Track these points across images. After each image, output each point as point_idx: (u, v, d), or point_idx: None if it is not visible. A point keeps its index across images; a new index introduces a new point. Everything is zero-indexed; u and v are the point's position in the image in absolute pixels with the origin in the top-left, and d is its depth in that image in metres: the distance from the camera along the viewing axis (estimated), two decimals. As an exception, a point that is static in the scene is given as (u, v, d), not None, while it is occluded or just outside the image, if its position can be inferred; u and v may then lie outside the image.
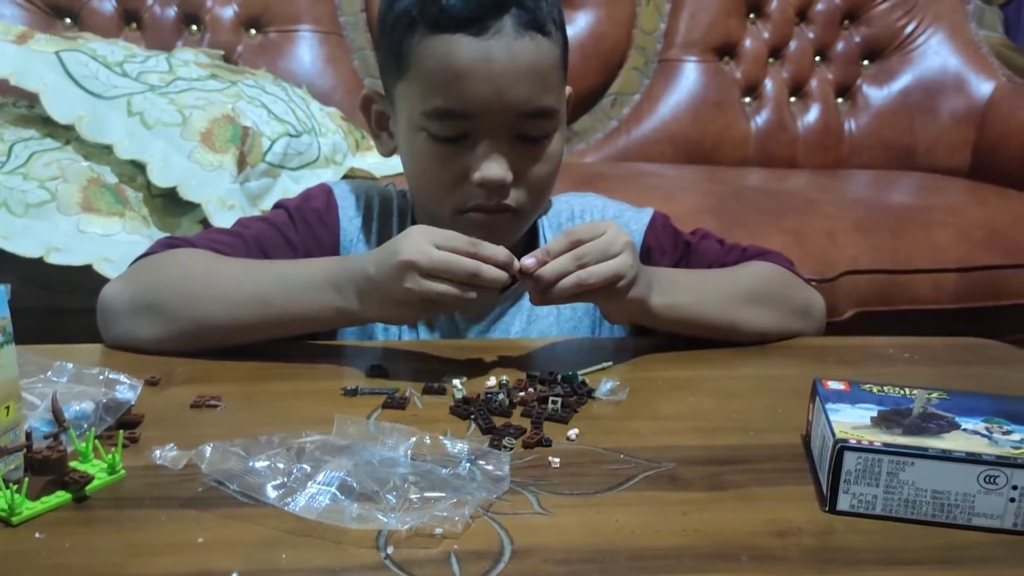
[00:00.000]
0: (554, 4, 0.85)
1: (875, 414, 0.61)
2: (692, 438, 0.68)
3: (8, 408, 0.56)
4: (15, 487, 0.53)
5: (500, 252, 0.74)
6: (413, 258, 0.72)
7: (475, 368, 0.80)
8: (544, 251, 0.76)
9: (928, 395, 0.64)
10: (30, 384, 0.64)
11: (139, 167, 1.41)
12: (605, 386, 0.75)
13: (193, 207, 1.40)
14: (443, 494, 0.55)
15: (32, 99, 1.45)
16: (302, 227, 0.90)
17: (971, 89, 2.07)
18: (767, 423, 0.71)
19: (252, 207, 1.43)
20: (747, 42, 2.11)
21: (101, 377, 0.66)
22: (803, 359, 0.88)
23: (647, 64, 2.10)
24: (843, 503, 0.57)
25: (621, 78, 2.10)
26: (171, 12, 1.94)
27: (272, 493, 0.54)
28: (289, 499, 0.54)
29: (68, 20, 1.89)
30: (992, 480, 0.55)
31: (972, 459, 0.55)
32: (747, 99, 2.11)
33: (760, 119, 2.10)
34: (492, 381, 0.76)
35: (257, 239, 0.88)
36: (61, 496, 0.55)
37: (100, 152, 1.41)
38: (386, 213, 0.94)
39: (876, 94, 2.12)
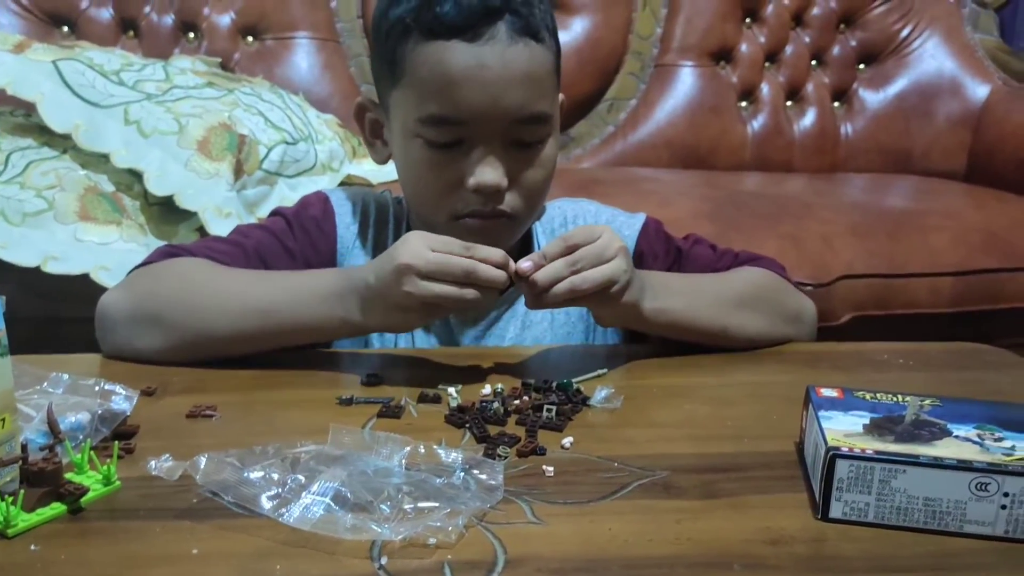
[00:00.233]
0: (547, 11, 0.86)
1: (867, 421, 0.62)
2: (686, 446, 0.68)
3: (3, 420, 0.56)
4: (10, 499, 0.53)
5: (495, 253, 0.75)
6: (409, 261, 0.73)
7: (470, 376, 0.80)
8: (540, 255, 0.76)
9: (920, 402, 0.65)
10: (26, 395, 0.64)
11: (136, 176, 1.41)
12: (600, 394, 0.75)
13: (190, 215, 1.40)
14: (437, 504, 0.55)
15: (29, 108, 1.46)
16: (300, 235, 0.91)
17: (967, 93, 2.07)
18: (761, 430, 0.71)
19: (249, 215, 1.44)
20: (743, 47, 2.11)
21: (97, 388, 0.66)
22: (797, 365, 0.88)
23: (643, 69, 2.11)
24: (836, 511, 0.57)
25: (617, 83, 2.11)
26: (168, 20, 1.95)
27: (267, 504, 0.55)
28: (283, 510, 0.54)
29: (65, 28, 1.90)
30: (983, 487, 0.55)
31: (963, 466, 0.55)
32: (743, 103, 2.12)
33: (756, 123, 2.10)
34: (487, 389, 0.76)
35: (257, 248, 0.88)
36: (56, 508, 0.55)
37: (97, 161, 1.42)
38: (382, 220, 0.95)
39: (872, 98, 2.13)
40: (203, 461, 0.57)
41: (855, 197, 1.84)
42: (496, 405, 0.72)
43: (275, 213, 0.95)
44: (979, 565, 0.53)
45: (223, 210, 1.38)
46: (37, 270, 1.27)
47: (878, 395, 0.66)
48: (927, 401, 0.65)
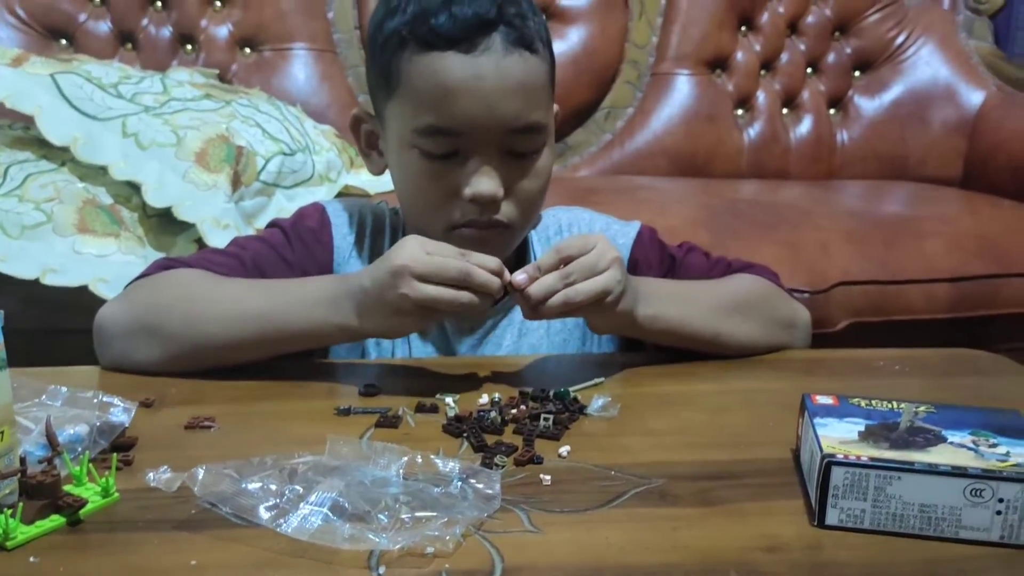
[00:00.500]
0: (541, 23, 0.86)
1: (863, 428, 0.62)
2: (682, 453, 0.68)
3: (2, 433, 0.56)
4: (9, 512, 0.53)
5: (490, 260, 0.75)
6: (405, 262, 0.73)
7: (467, 385, 0.80)
8: (534, 267, 0.77)
9: (915, 409, 0.65)
10: (24, 408, 0.64)
11: (134, 188, 1.42)
12: (597, 403, 0.75)
13: (188, 227, 1.40)
14: (434, 513, 0.55)
15: (27, 121, 1.46)
16: (297, 246, 0.91)
17: (962, 99, 2.08)
18: (757, 438, 0.71)
19: (247, 226, 1.44)
20: (739, 55, 2.12)
21: (95, 400, 0.66)
22: (794, 372, 0.88)
23: (640, 78, 2.12)
24: (831, 518, 0.57)
25: (614, 92, 2.11)
26: (166, 32, 1.96)
27: (265, 514, 0.55)
28: (281, 520, 0.54)
29: (63, 42, 1.90)
30: (978, 493, 0.55)
31: (958, 472, 0.56)
32: (739, 111, 2.12)
33: (753, 131, 2.11)
34: (484, 398, 0.77)
35: (254, 260, 0.89)
36: (55, 520, 0.56)
37: (95, 173, 1.42)
38: (378, 230, 0.95)
39: (868, 105, 2.14)
40: (201, 472, 0.57)
41: (851, 204, 1.84)
42: (493, 414, 0.72)
43: (272, 225, 0.95)
44: (975, 571, 0.54)
45: (221, 221, 1.39)
46: (36, 282, 1.27)
47: (873, 402, 0.67)
48: (922, 408, 0.65)
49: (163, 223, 1.43)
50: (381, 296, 0.75)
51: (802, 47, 2.14)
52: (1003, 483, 0.55)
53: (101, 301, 0.86)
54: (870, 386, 0.84)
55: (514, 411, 0.74)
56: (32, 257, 1.29)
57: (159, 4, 1.95)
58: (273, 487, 0.57)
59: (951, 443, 0.60)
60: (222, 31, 1.97)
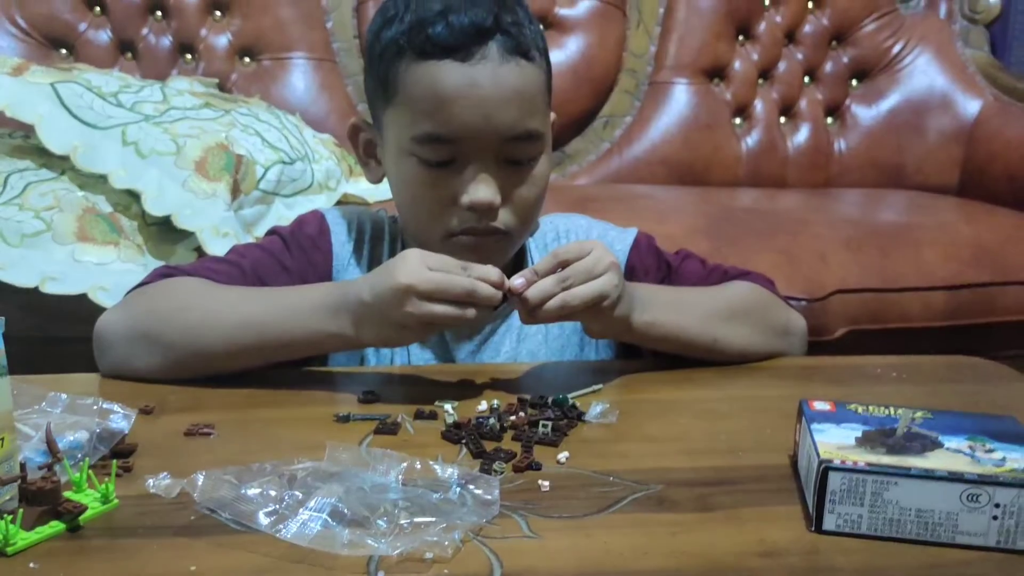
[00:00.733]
0: (536, 31, 0.87)
1: (860, 434, 0.62)
2: (681, 460, 0.68)
3: (3, 439, 0.56)
4: (9, 518, 0.54)
5: (491, 272, 0.76)
6: (410, 281, 0.73)
7: (466, 392, 0.81)
8: (532, 271, 0.77)
9: (912, 414, 0.65)
10: (24, 415, 0.64)
11: (134, 196, 1.42)
12: (595, 409, 0.76)
13: (187, 235, 1.41)
14: (433, 519, 0.55)
15: (28, 130, 1.46)
16: (297, 253, 0.92)
17: (958, 108, 2.09)
18: (755, 444, 0.71)
19: (246, 234, 1.44)
20: (736, 64, 2.13)
21: (95, 407, 0.66)
22: (791, 379, 0.89)
23: (638, 87, 2.13)
24: (829, 523, 0.58)
25: (612, 101, 2.12)
26: (166, 42, 1.96)
27: (264, 520, 0.55)
28: (281, 526, 0.54)
29: (64, 51, 1.91)
30: (975, 498, 0.56)
31: (954, 478, 0.56)
32: (737, 120, 2.13)
33: (750, 140, 2.11)
34: (483, 405, 0.77)
35: (254, 267, 0.89)
36: (55, 526, 0.56)
37: (95, 182, 1.43)
38: (377, 238, 0.96)
39: (865, 114, 2.14)
40: (201, 478, 0.58)
41: (848, 212, 1.85)
42: (492, 421, 0.72)
43: (272, 232, 0.96)
44: (972, 576, 0.54)
45: (220, 230, 1.39)
46: (35, 291, 1.27)
47: (870, 408, 0.67)
48: (919, 414, 0.66)
49: (162, 231, 1.43)
50: (384, 312, 0.75)
51: (799, 56, 2.15)
52: (999, 488, 0.55)
53: (100, 309, 0.86)
54: (868, 393, 0.84)
55: (513, 417, 0.74)
56: (32, 265, 1.29)
57: (159, 14, 1.96)
58: (272, 493, 0.57)
59: (948, 448, 0.60)
60: (222, 40, 1.98)
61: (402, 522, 0.55)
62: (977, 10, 2.14)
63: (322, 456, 0.61)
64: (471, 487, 0.59)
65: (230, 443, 0.70)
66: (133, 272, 1.31)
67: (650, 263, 0.98)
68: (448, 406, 0.75)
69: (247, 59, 1.99)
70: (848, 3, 2.14)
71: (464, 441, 0.70)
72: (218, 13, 1.99)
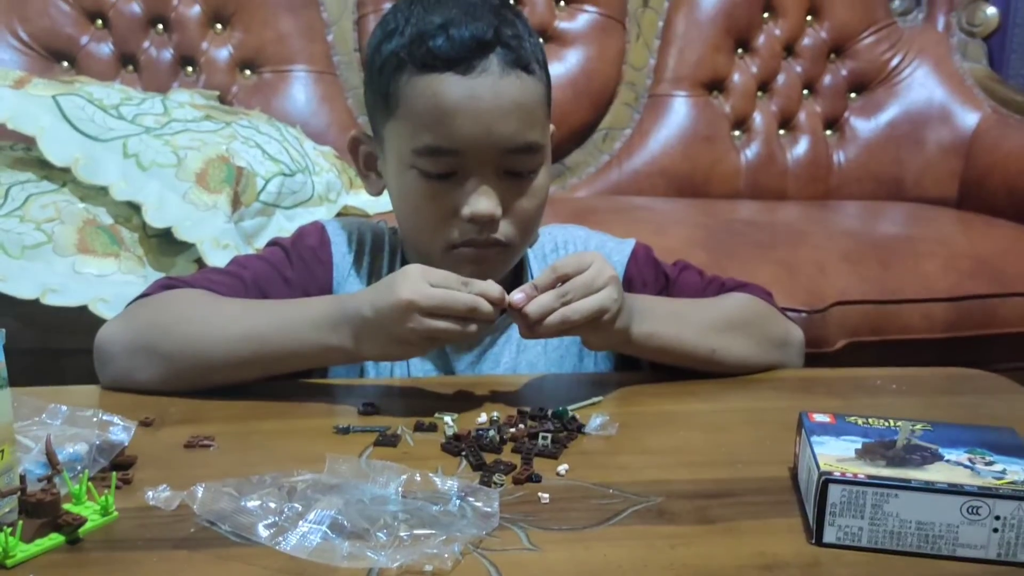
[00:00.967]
0: (536, 44, 0.87)
1: (859, 446, 0.62)
2: (680, 472, 0.68)
3: (2, 451, 0.56)
4: (9, 530, 0.54)
5: (492, 288, 0.76)
6: (412, 297, 0.74)
7: (466, 404, 0.81)
8: (531, 286, 0.77)
9: (912, 427, 0.65)
10: (24, 427, 0.64)
11: (135, 208, 1.42)
12: (595, 421, 0.76)
13: (188, 247, 1.41)
14: (433, 531, 0.55)
15: (29, 142, 1.47)
16: (298, 264, 0.92)
17: (957, 120, 2.10)
18: (755, 456, 0.71)
19: (246, 246, 1.45)
20: (735, 76, 2.14)
21: (95, 419, 0.66)
22: (791, 391, 0.89)
23: (637, 99, 2.13)
24: (829, 535, 0.58)
25: (612, 113, 2.13)
26: (167, 54, 1.97)
27: (264, 532, 0.55)
28: (280, 538, 0.54)
29: (65, 64, 1.92)
30: (975, 511, 0.56)
31: (954, 490, 0.56)
32: (736, 132, 2.14)
33: (750, 152, 2.12)
34: (483, 417, 0.77)
35: (255, 279, 0.89)
36: (55, 538, 0.56)
37: (96, 194, 1.43)
38: (377, 249, 0.96)
39: (864, 126, 2.15)
40: (200, 491, 0.58)
41: (848, 224, 1.85)
42: (492, 433, 0.72)
43: (272, 243, 0.96)
44: (972, 588, 0.54)
45: (221, 241, 1.39)
46: (36, 302, 1.27)
47: (870, 420, 0.67)
48: (918, 426, 0.66)
49: (163, 243, 1.44)
50: (385, 328, 0.75)
51: (798, 69, 2.16)
52: (999, 500, 0.55)
53: (101, 321, 0.86)
54: (868, 405, 0.84)
55: (512, 430, 0.74)
56: (32, 277, 1.29)
57: (160, 27, 1.97)
58: (272, 505, 0.57)
59: (948, 461, 0.60)
60: (222, 53, 1.99)
61: (402, 534, 0.54)
62: (975, 23, 2.15)
63: (322, 468, 0.61)
64: (471, 499, 0.59)
65: (230, 455, 0.70)
66: (134, 284, 1.31)
67: (648, 274, 0.98)
68: (448, 418, 0.75)
69: (248, 72, 2.00)
70: (846, 16, 2.15)
71: (464, 453, 0.70)
72: (219, 26, 1.99)
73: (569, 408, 0.79)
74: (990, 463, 0.60)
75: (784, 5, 2.13)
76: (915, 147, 2.11)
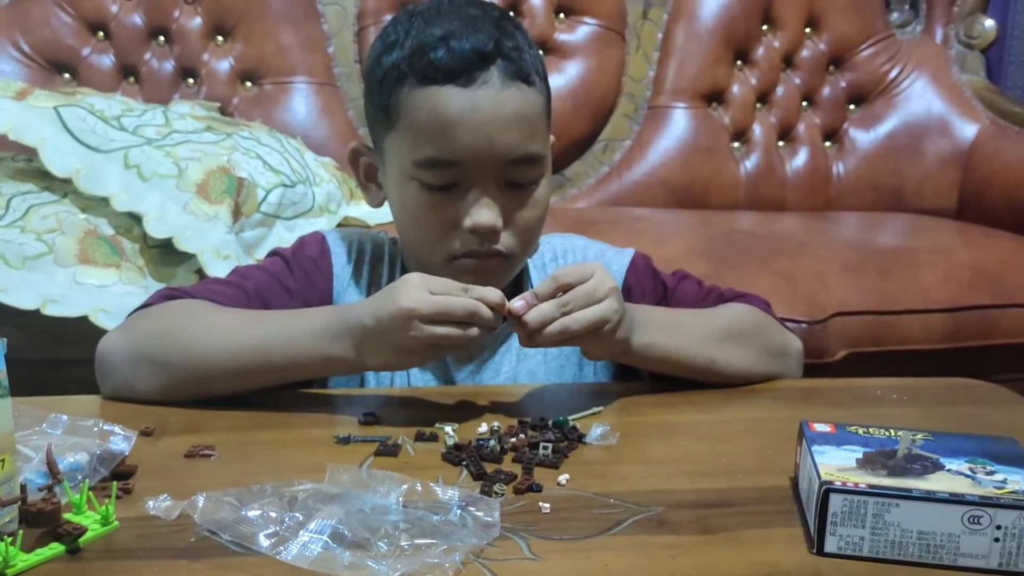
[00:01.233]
0: (536, 56, 0.88)
1: (860, 456, 0.62)
2: (681, 482, 0.68)
3: (3, 461, 0.56)
4: (9, 539, 0.53)
5: (492, 293, 0.76)
6: (413, 305, 0.74)
7: (466, 414, 0.81)
8: (532, 294, 0.78)
9: (913, 436, 0.65)
10: (25, 436, 0.64)
11: (135, 219, 1.43)
12: (595, 431, 0.76)
13: (189, 257, 1.41)
14: (434, 541, 0.55)
15: (30, 153, 1.47)
16: (299, 274, 0.92)
17: (956, 132, 2.10)
18: (756, 466, 0.71)
19: (247, 257, 1.45)
20: (735, 88, 2.14)
21: (95, 429, 0.66)
22: (791, 401, 0.89)
23: (637, 111, 2.14)
24: (830, 545, 0.58)
25: (612, 124, 2.13)
26: (168, 66, 1.98)
27: (264, 542, 0.55)
28: (281, 548, 0.54)
29: (67, 75, 1.92)
30: (976, 520, 0.56)
31: (955, 499, 0.56)
32: (736, 144, 2.14)
33: (749, 163, 2.12)
34: (483, 427, 0.77)
35: (256, 289, 0.89)
36: (55, 548, 0.56)
37: (97, 204, 1.43)
38: (377, 259, 0.96)
39: (863, 137, 2.15)
40: (201, 500, 0.58)
41: (847, 235, 1.85)
42: (492, 443, 0.72)
43: (273, 253, 0.96)
44: (973, 598, 0.54)
45: (221, 252, 1.40)
46: (37, 313, 1.27)
47: (871, 430, 0.67)
48: (919, 435, 0.66)
49: (164, 254, 1.44)
50: (386, 336, 0.75)
51: (797, 81, 2.17)
52: (1000, 510, 0.55)
53: (101, 331, 0.86)
54: (868, 415, 0.84)
55: (513, 440, 0.74)
56: (33, 287, 1.29)
57: (161, 39, 1.98)
58: (273, 514, 0.57)
59: (948, 470, 0.60)
60: (223, 65, 1.99)
61: (403, 544, 0.54)
62: (973, 35, 2.16)
63: (323, 478, 0.61)
64: (472, 509, 0.59)
65: (230, 465, 0.70)
66: (134, 294, 1.31)
67: (647, 283, 0.98)
68: (448, 428, 0.75)
69: (249, 83, 2.01)
70: (845, 28, 2.16)
71: (465, 463, 0.70)
72: (220, 38, 2.00)
73: (570, 418, 0.78)
74: (991, 473, 0.60)
75: (783, 17, 2.14)
76: (914, 158, 2.11)
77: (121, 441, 0.66)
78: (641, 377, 0.92)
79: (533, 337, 0.77)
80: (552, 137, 0.93)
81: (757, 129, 2.14)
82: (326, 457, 0.65)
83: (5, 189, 1.42)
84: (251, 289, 0.89)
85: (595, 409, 0.82)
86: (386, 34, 0.88)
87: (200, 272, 1.40)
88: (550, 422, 0.78)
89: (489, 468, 0.69)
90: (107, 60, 1.95)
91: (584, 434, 0.76)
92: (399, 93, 0.85)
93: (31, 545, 0.55)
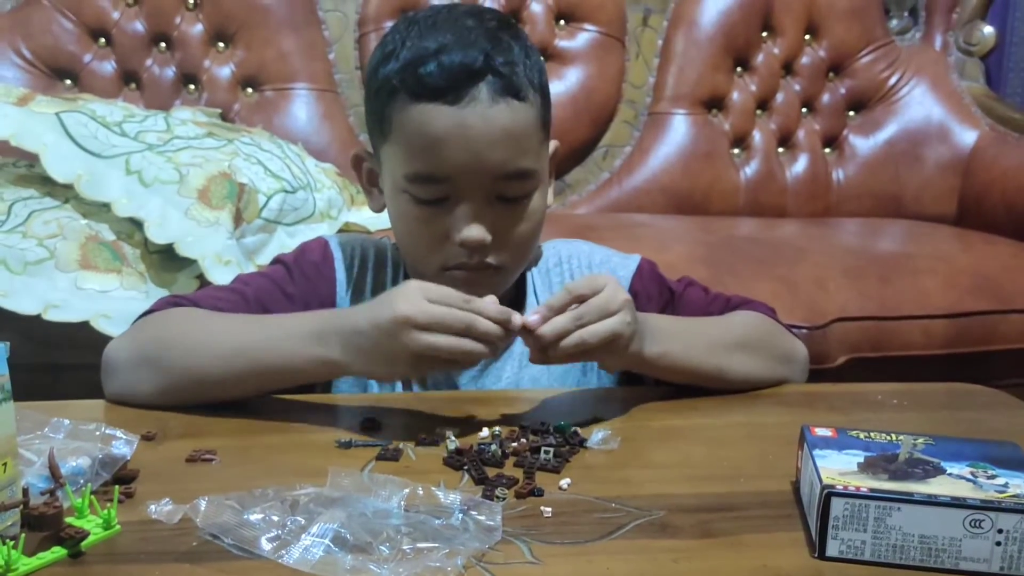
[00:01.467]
0: (533, 66, 0.87)
1: (862, 460, 0.62)
2: (683, 486, 0.68)
3: (5, 465, 0.56)
4: (11, 543, 0.54)
5: (491, 306, 0.75)
6: (409, 312, 0.73)
7: (468, 419, 0.81)
8: (547, 307, 0.76)
9: (914, 440, 0.65)
10: (27, 440, 0.64)
11: (137, 224, 1.43)
12: (597, 436, 0.76)
13: (190, 263, 1.41)
14: (436, 544, 0.55)
15: (32, 159, 1.47)
16: (300, 280, 0.92)
17: (955, 138, 2.11)
18: (757, 470, 0.71)
19: (248, 262, 1.45)
20: (735, 95, 2.15)
21: (97, 433, 0.66)
22: (793, 406, 0.89)
23: (637, 117, 2.14)
24: (832, 549, 0.58)
25: (612, 131, 2.14)
26: (169, 72, 1.98)
27: (266, 546, 0.55)
28: (283, 551, 0.54)
29: (68, 82, 1.93)
30: (977, 524, 0.56)
31: (957, 503, 0.56)
32: (736, 150, 2.15)
33: (749, 169, 2.13)
34: (485, 432, 0.77)
35: (257, 295, 0.90)
36: (57, 552, 0.56)
37: (98, 210, 1.43)
38: (380, 265, 0.96)
39: (862, 144, 2.16)
40: (203, 504, 0.58)
41: (848, 241, 1.86)
42: (494, 447, 0.72)
43: (276, 260, 0.97)
44: (975, 602, 0.54)
45: (223, 258, 1.40)
46: (38, 318, 1.27)
47: (872, 434, 0.67)
48: (920, 440, 0.66)
49: (165, 259, 1.44)
50: (379, 342, 0.74)
51: (797, 87, 2.17)
52: (1002, 514, 0.55)
53: (102, 337, 0.87)
54: (869, 419, 0.84)
55: (515, 444, 0.74)
56: (34, 293, 1.29)
57: (163, 45, 1.98)
58: (275, 518, 0.57)
59: (950, 474, 0.60)
60: (224, 71, 2.00)
61: (405, 548, 0.54)
62: (973, 42, 2.16)
63: (324, 482, 0.61)
64: (473, 513, 0.59)
65: (232, 469, 0.70)
66: (135, 300, 1.32)
67: (653, 289, 0.98)
68: (450, 432, 0.75)
69: (250, 90, 2.01)
70: (845, 35, 2.16)
71: (466, 467, 0.70)
72: (221, 44, 2.01)
73: (571, 422, 0.78)
74: (992, 477, 0.60)
75: (783, 24, 2.15)
76: (914, 165, 2.12)
77: (123, 445, 0.66)
78: (645, 382, 0.92)
79: (547, 352, 0.76)
80: (556, 143, 0.93)
81: (757, 135, 2.15)
82: (328, 461, 0.65)
83: (7, 195, 1.42)
84: (251, 295, 0.89)
85: (596, 414, 0.82)
86: (385, 43, 0.88)
87: (201, 278, 1.40)
88: (551, 426, 0.78)
89: (491, 472, 0.69)
90: (108, 66, 1.95)
91: (586, 438, 0.76)
92: (392, 107, 0.85)
93: (33, 549, 0.55)
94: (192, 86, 1.99)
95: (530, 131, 0.86)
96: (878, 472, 0.60)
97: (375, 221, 1.67)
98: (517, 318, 0.76)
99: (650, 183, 2.10)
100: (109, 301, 1.31)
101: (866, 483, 0.58)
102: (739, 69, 2.16)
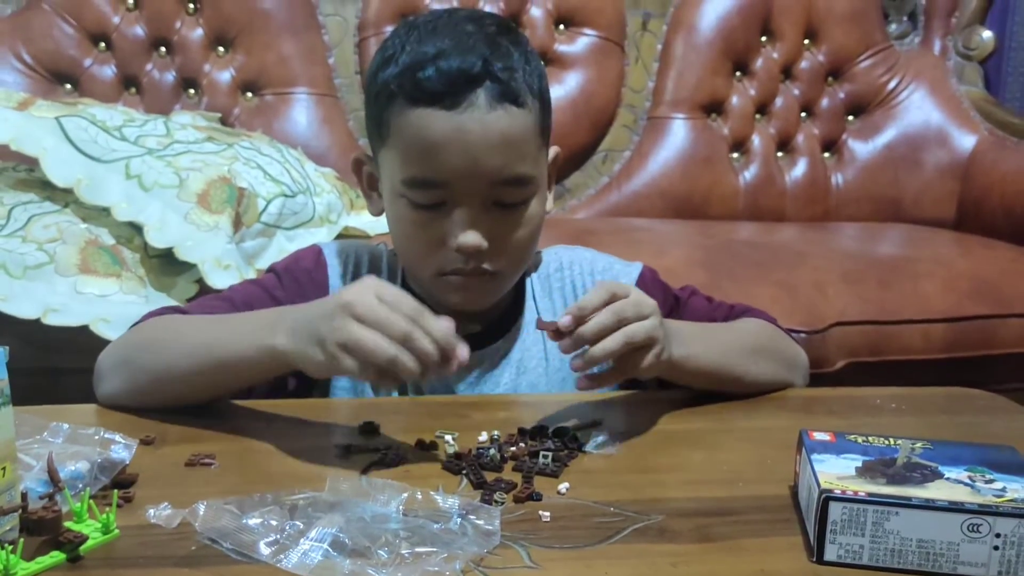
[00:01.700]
0: (533, 72, 0.86)
1: (860, 464, 0.62)
2: (681, 490, 0.69)
3: (4, 469, 0.57)
4: (10, 548, 0.54)
5: (439, 329, 0.70)
6: (351, 300, 0.70)
7: (467, 423, 0.81)
8: (577, 307, 0.74)
9: (912, 445, 0.65)
10: (26, 445, 0.64)
11: (136, 228, 1.43)
12: (595, 440, 0.76)
13: (189, 267, 1.41)
14: (434, 549, 0.55)
15: (32, 163, 1.48)
16: (290, 285, 0.92)
17: (954, 142, 2.11)
18: (756, 474, 0.71)
19: (248, 267, 1.45)
20: (734, 99, 2.15)
21: (96, 437, 0.66)
22: (792, 410, 0.89)
23: (636, 121, 2.15)
24: (830, 553, 0.58)
25: (611, 135, 2.14)
26: (169, 77, 1.99)
27: (265, 550, 0.55)
28: (282, 556, 0.54)
29: (68, 86, 1.93)
30: (975, 528, 0.56)
31: (955, 508, 0.56)
32: (735, 155, 2.15)
33: (748, 174, 2.13)
34: (483, 436, 0.77)
35: (245, 300, 0.90)
36: (56, 556, 0.56)
37: (98, 214, 1.44)
38: (375, 271, 0.96)
39: (861, 148, 2.16)
40: (202, 508, 0.58)
41: (847, 245, 1.86)
42: (492, 452, 0.72)
43: (269, 269, 0.97)
44: (973, 606, 0.54)
45: (222, 262, 1.40)
46: (37, 322, 1.27)
47: (870, 438, 0.67)
48: (918, 444, 0.66)
49: (164, 263, 1.44)
50: (314, 323, 0.71)
51: (796, 92, 2.18)
52: (1000, 518, 0.55)
53: (102, 341, 0.87)
54: (868, 424, 0.84)
55: (513, 448, 0.74)
56: (34, 297, 1.29)
57: (163, 50, 1.98)
58: (274, 523, 0.57)
59: (948, 479, 0.60)
60: (224, 76, 2.00)
61: (403, 552, 0.55)
62: (971, 47, 2.17)
63: (323, 487, 0.61)
64: (472, 517, 0.59)
65: (231, 473, 0.70)
66: (135, 304, 1.32)
67: (656, 296, 0.96)
68: (448, 437, 0.75)
69: (250, 94, 2.01)
70: (844, 40, 2.16)
71: (465, 472, 0.70)
72: (221, 49, 2.01)
73: (570, 427, 0.78)
74: (990, 481, 0.60)
75: (782, 29, 2.15)
76: (913, 169, 2.12)
77: (122, 450, 0.66)
78: (644, 387, 0.93)
79: (584, 357, 0.72)
80: (557, 148, 0.93)
81: (756, 140, 2.15)
82: (326, 466, 0.65)
83: (6, 199, 1.43)
84: (239, 301, 0.90)
85: (595, 418, 0.82)
86: (385, 47, 0.88)
87: (200, 282, 1.40)
88: (550, 431, 0.78)
89: (489, 477, 0.69)
90: (108, 71, 1.95)
91: (584, 443, 0.76)
92: (390, 111, 0.85)
93: (32, 553, 0.55)
94: (192, 90, 2.00)
95: (528, 137, 0.86)
96: (876, 476, 0.60)
97: (374, 225, 1.67)
98: (464, 352, 0.70)
99: (649, 187, 2.10)
100: (109, 305, 1.31)
101: (864, 487, 0.58)
102: (738, 73, 2.17)
